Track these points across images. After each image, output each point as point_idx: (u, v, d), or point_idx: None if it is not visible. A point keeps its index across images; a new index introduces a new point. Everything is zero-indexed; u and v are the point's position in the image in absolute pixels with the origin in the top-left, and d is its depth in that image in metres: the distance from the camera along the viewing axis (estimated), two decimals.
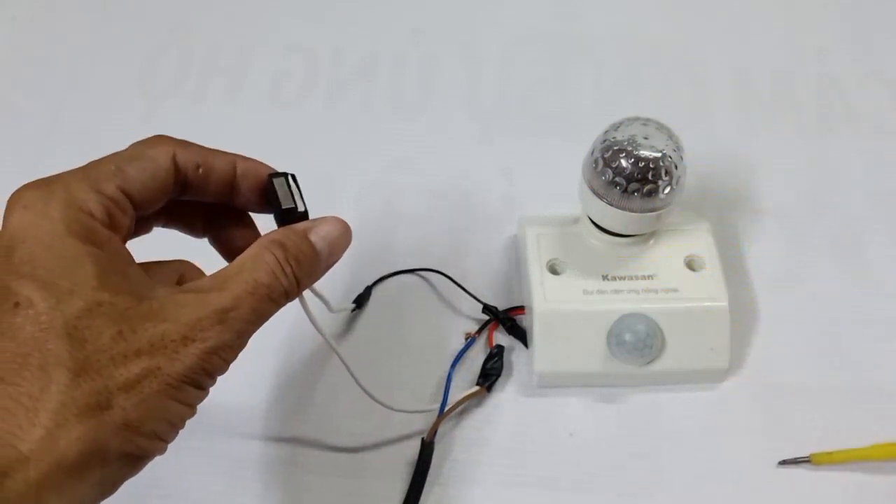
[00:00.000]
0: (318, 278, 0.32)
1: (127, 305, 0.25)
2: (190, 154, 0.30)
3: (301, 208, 0.31)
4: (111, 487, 0.25)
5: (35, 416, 0.23)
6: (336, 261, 0.32)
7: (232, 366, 0.29)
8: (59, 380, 0.23)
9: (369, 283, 0.46)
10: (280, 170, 0.32)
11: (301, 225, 0.31)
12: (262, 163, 0.32)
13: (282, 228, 0.31)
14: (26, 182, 0.27)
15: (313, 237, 0.30)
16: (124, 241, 0.28)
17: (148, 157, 0.29)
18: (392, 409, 0.39)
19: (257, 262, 0.28)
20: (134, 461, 0.26)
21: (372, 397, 0.38)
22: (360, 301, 0.45)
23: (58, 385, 0.23)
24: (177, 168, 0.29)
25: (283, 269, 0.29)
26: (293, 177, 0.32)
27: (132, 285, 0.26)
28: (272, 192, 0.31)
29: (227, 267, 0.29)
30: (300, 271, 0.29)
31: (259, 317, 0.28)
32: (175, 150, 0.29)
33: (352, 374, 0.37)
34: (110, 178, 0.28)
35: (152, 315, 0.26)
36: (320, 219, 0.31)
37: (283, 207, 0.31)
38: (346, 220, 0.32)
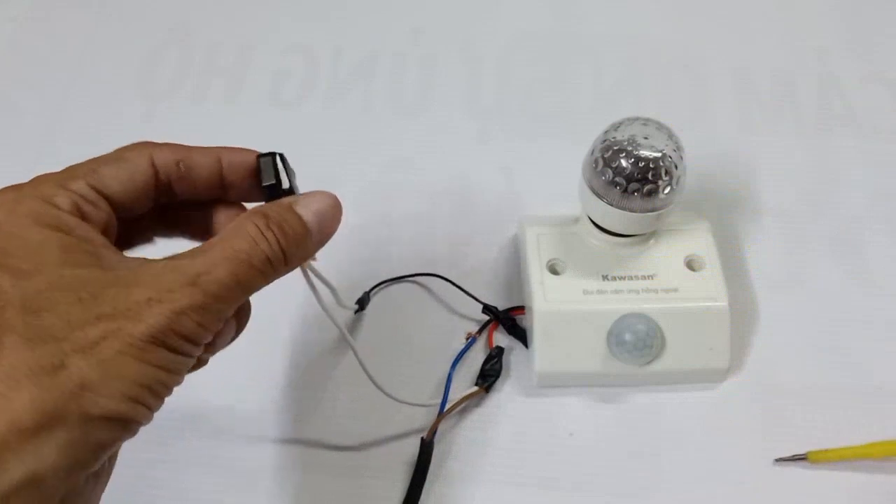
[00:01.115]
0: (311, 254, 0.31)
1: (91, 277, 0.25)
2: (168, 153, 0.30)
3: (286, 185, 0.30)
4: (88, 454, 0.24)
5: None
6: (328, 236, 0.31)
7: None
8: (10, 345, 0.23)
9: (367, 288, 0.45)
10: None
11: (286, 199, 0.30)
12: (248, 150, 0.31)
13: (267, 203, 0.30)
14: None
15: (300, 209, 0.30)
16: (104, 235, 0.28)
17: (124, 158, 0.29)
18: (396, 399, 0.39)
19: (237, 231, 0.28)
20: (111, 426, 0.24)
21: (378, 387, 0.38)
22: (362, 303, 0.45)
23: (10, 349, 0.23)
24: (155, 169, 0.29)
25: (263, 236, 0.28)
26: (281, 156, 0.31)
27: (100, 261, 0.26)
28: (258, 171, 0.31)
29: (207, 241, 0.28)
30: (285, 240, 0.28)
31: (239, 282, 0.27)
32: (152, 151, 0.30)
33: (360, 362, 0.37)
34: (81, 177, 0.28)
35: (118, 282, 0.25)
36: (308, 193, 0.31)
37: (264, 184, 0.30)
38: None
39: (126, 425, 0.25)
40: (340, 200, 0.31)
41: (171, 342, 0.25)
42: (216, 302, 0.26)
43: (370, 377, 0.38)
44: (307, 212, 0.30)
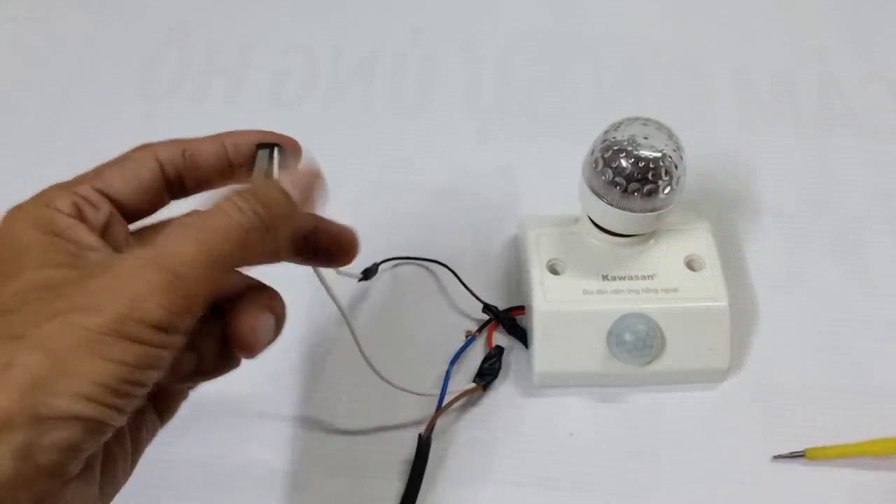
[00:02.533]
0: (295, 221, 0.29)
1: (59, 275, 0.25)
2: (170, 147, 0.30)
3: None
4: (49, 458, 0.22)
5: None
6: (313, 203, 0.29)
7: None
8: None
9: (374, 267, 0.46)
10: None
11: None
12: (249, 131, 0.31)
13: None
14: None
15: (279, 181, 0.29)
16: (103, 237, 0.28)
17: (129, 158, 0.29)
18: (394, 385, 0.39)
19: (210, 210, 0.26)
20: (70, 427, 0.22)
21: (374, 369, 0.38)
22: (368, 274, 0.45)
23: None
24: (160, 164, 0.29)
25: (237, 206, 0.26)
26: (280, 149, 0.30)
27: (76, 260, 0.26)
28: (253, 161, 0.30)
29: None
30: (264, 208, 0.27)
31: (211, 256, 0.25)
32: (157, 148, 0.30)
33: (358, 345, 0.37)
34: (86, 181, 0.28)
35: (81, 278, 0.24)
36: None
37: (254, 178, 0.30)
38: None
39: (90, 426, 0.23)
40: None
41: (133, 331, 0.23)
42: (183, 281, 0.24)
43: (366, 359, 0.37)
44: (285, 180, 0.28)
